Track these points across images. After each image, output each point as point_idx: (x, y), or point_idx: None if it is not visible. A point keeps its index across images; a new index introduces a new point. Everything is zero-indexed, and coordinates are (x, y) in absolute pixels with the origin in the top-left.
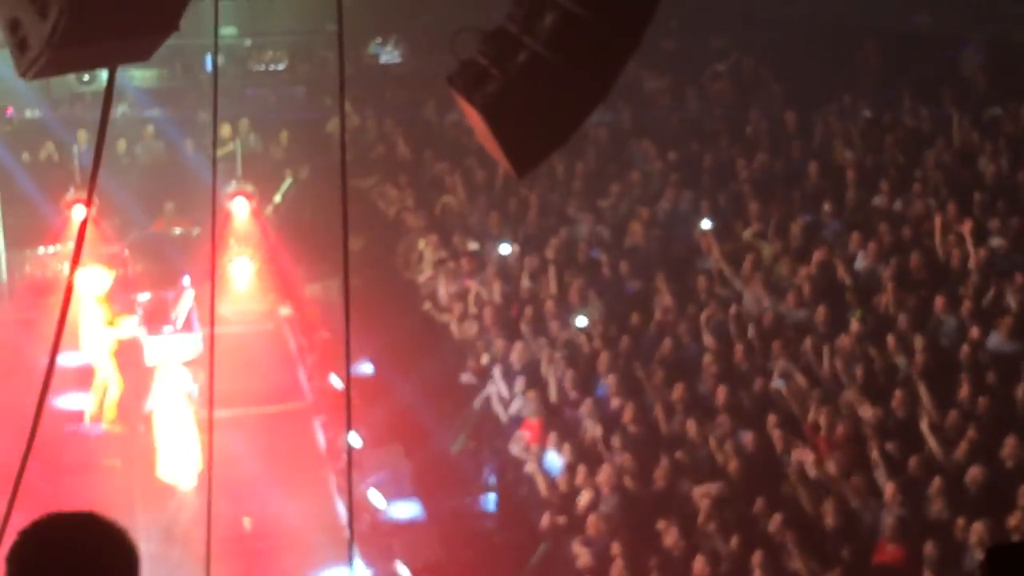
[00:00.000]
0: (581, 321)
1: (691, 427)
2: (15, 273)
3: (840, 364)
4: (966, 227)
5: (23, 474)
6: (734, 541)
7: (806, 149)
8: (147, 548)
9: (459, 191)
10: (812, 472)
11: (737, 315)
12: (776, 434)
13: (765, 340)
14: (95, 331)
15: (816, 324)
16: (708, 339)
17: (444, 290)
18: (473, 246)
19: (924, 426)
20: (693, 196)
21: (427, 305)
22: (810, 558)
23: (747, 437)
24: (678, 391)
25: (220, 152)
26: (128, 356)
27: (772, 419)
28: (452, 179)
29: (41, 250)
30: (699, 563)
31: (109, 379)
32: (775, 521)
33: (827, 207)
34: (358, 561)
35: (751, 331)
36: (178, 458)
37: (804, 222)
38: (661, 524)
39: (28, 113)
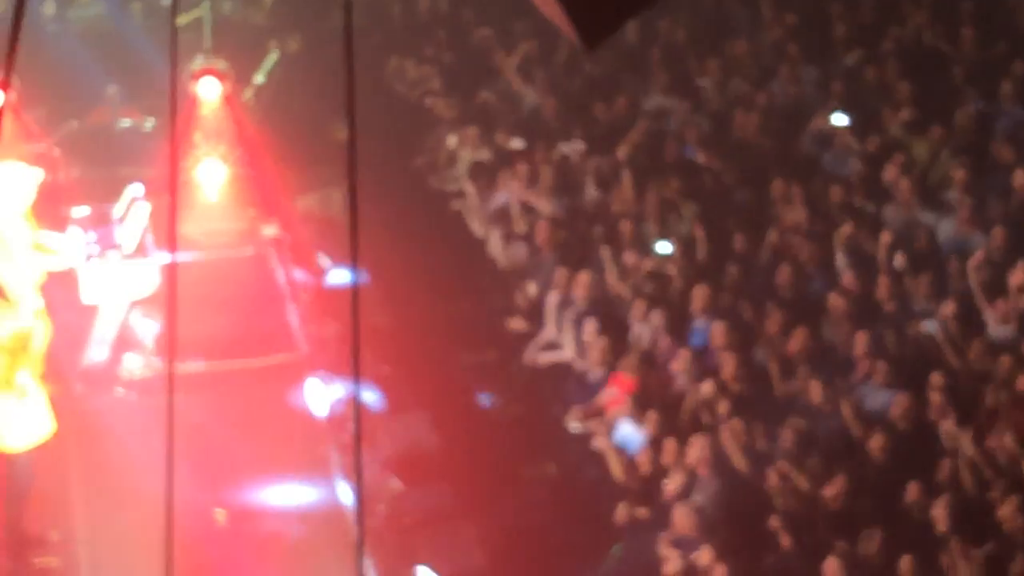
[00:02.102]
0: (664, 247)
1: (815, 388)
2: None
3: (1022, 303)
4: None
5: None
6: (875, 541)
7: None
8: (86, 552)
9: (506, 68)
10: (969, 451)
11: (880, 236)
12: (935, 399)
13: (918, 270)
14: (15, 258)
15: (990, 249)
16: (841, 268)
17: (481, 202)
18: (517, 144)
19: None
20: (819, 74)
21: (460, 222)
22: (980, 566)
23: (896, 401)
24: (798, 339)
25: (182, 18)
26: (61, 292)
27: (935, 378)
28: (498, 53)
29: None
30: (831, 566)
31: (35, 323)
32: (937, 515)
33: (1007, 87)
34: (369, 567)
35: (898, 258)
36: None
37: (974, 109)
38: (775, 521)
39: None
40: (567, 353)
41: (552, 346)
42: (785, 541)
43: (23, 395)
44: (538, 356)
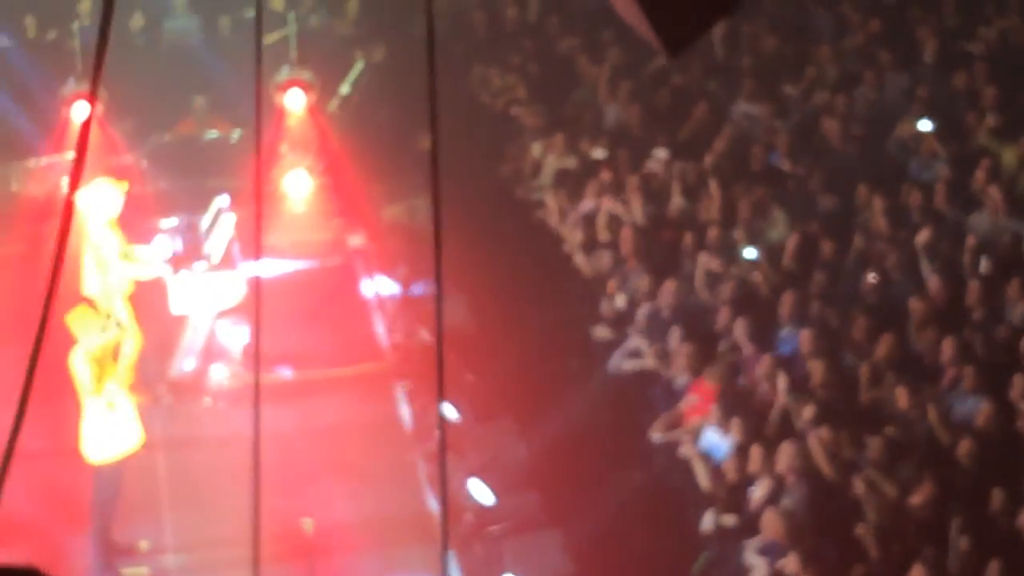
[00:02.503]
0: (750, 252)
1: (902, 395)
2: None
3: None
4: None
5: (11, 458)
6: (963, 544)
7: None
8: (176, 561)
9: (592, 77)
10: None
11: (966, 242)
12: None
13: (1006, 275)
14: (104, 269)
15: None
16: (927, 274)
17: (566, 210)
18: (598, 153)
19: None
20: (907, 81)
21: (545, 231)
22: None
23: (981, 408)
24: (885, 345)
25: (269, 37)
26: (149, 302)
27: (1019, 384)
28: (583, 60)
29: (32, 162)
30: (916, 574)
31: (124, 333)
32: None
33: None
34: (456, 573)
35: (984, 264)
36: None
37: None
38: (862, 528)
39: None
40: (649, 361)
41: (636, 354)
42: (872, 548)
43: (111, 406)
44: (622, 363)
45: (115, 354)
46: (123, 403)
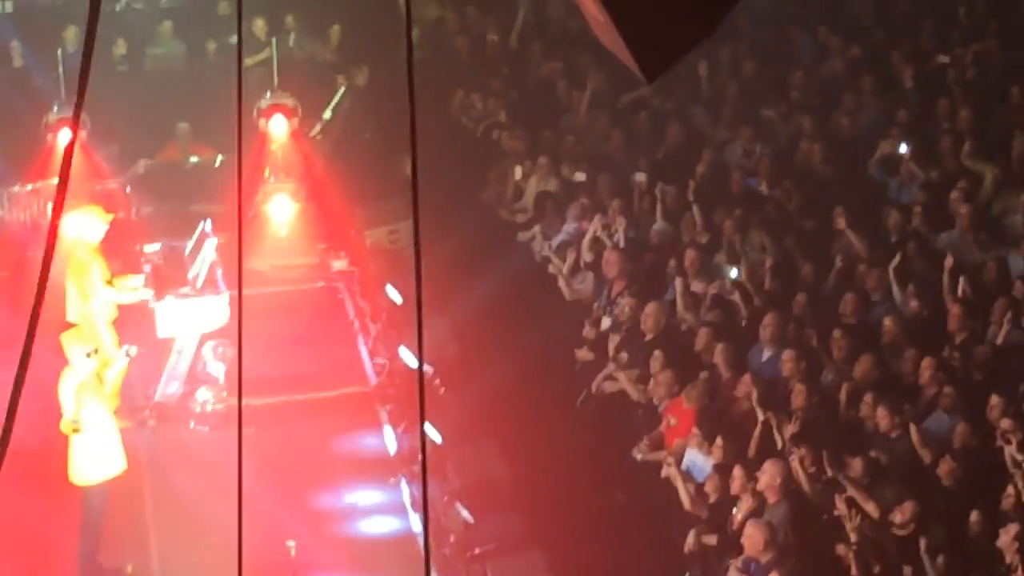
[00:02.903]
0: (732, 272)
1: (882, 416)
2: None
3: None
4: None
5: None
6: (940, 564)
7: None
8: None
9: (573, 101)
10: None
11: (945, 264)
12: (1006, 424)
13: (985, 297)
14: (88, 294)
15: None
16: (905, 295)
17: (548, 234)
18: (579, 176)
19: None
20: (885, 105)
21: (530, 254)
22: None
23: (959, 429)
24: (864, 366)
25: (250, 60)
26: (133, 326)
27: (994, 401)
28: (563, 85)
29: (16, 188)
30: None
31: (108, 357)
32: (1004, 540)
33: None
34: None
35: (962, 284)
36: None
37: None
38: (841, 549)
39: None
40: (626, 385)
41: (613, 378)
42: (854, 568)
43: (77, 430)
44: (603, 384)
45: (100, 380)
46: (108, 427)
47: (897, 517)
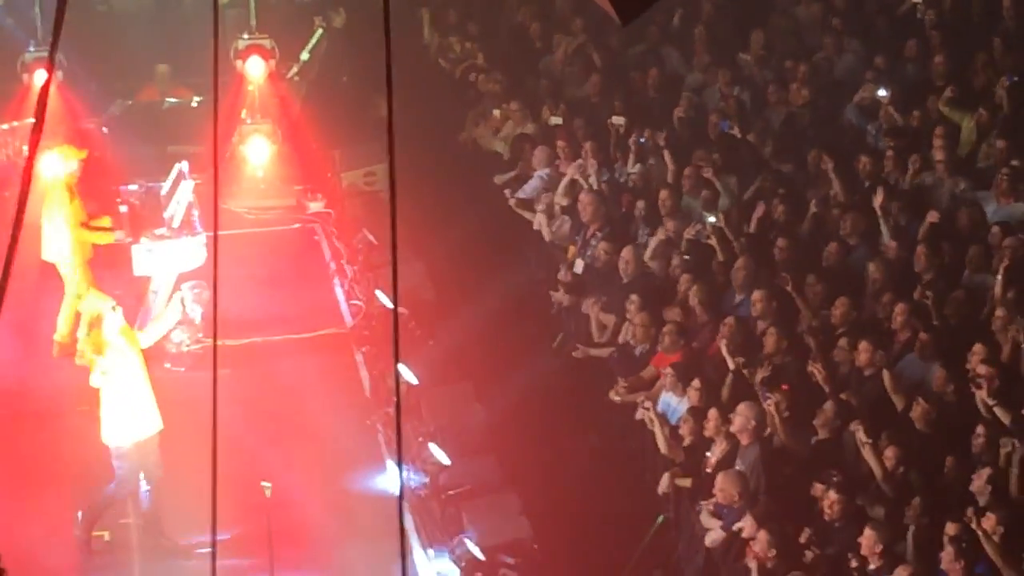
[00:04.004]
0: (706, 219)
1: (863, 357)
2: None
3: None
4: None
5: None
6: (915, 505)
7: None
8: (135, 522)
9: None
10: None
11: (921, 208)
12: (982, 370)
13: (961, 244)
14: (64, 234)
15: None
16: (883, 239)
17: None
18: (555, 120)
19: None
20: (863, 48)
21: (503, 197)
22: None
23: (936, 374)
24: (840, 309)
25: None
26: (110, 267)
27: (977, 347)
28: (543, 30)
29: None
30: (868, 538)
31: (83, 297)
32: (977, 484)
33: None
34: (414, 537)
35: (931, 218)
36: (126, 409)
37: (1011, 80)
38: (818, 489)
39: None
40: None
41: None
42: (827, 509)
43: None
44: (590, 351)
45: (130, 336)
46: (142, 387)
47: (886, 463)
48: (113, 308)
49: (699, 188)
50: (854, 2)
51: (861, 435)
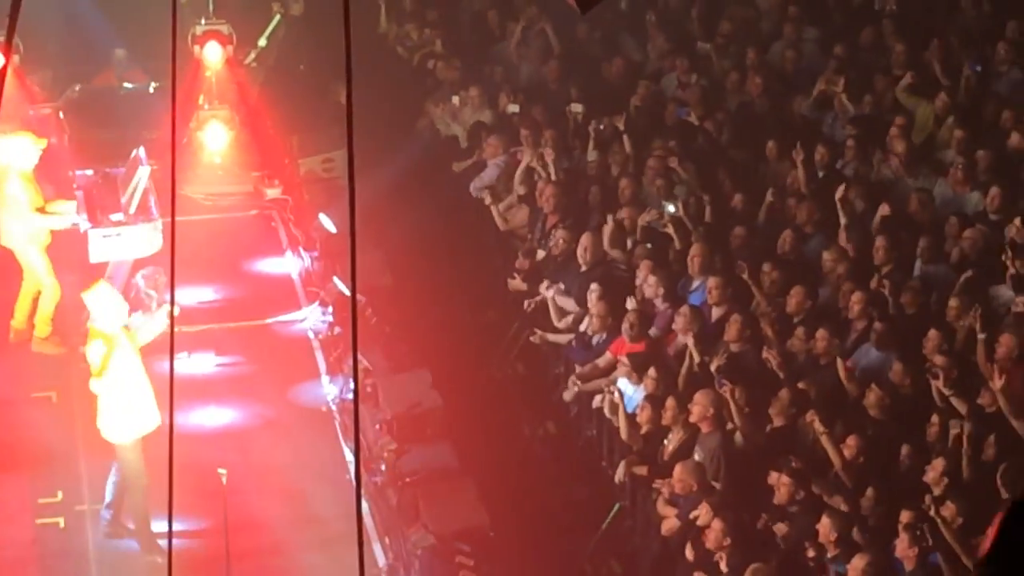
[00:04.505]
0: (663, 208)
1: (820, 345)
2: None
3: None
4: None
5: None
6: (870, 495)
7: None
8: (91, 508)
9: (506, 32)
10: (962, 411)
11: (877, 198)
12: (939, 360)
13: (915, 233)
14: (20, 220)
15: (989, 210)
16: (838, 229)
17: (483, 164)
18: (513, 108)
19: None
20: (819, 35)
21: (462, 185)
22: (972, 535)
23: (895, 367)
24: (796, 298)
25: None
26: (65, 252)
27: (933, 337)
28: (499, 16)
29: None
30: (824, 526)
31: (40, 283)
32: (931, 475)
33: (1003, 50)
34: (369, 524)
35: (878, 215)
36: (124, 406)
37: (973, 70)
38: (774, 477)
39: None
40: (564, 321)
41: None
42: (784, 495)
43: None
44: (548, 336)
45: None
46: (142, 384)
47: (845, 451)
48: (126, 327)
49: (659, 176)
50: None
51: (817, 424)
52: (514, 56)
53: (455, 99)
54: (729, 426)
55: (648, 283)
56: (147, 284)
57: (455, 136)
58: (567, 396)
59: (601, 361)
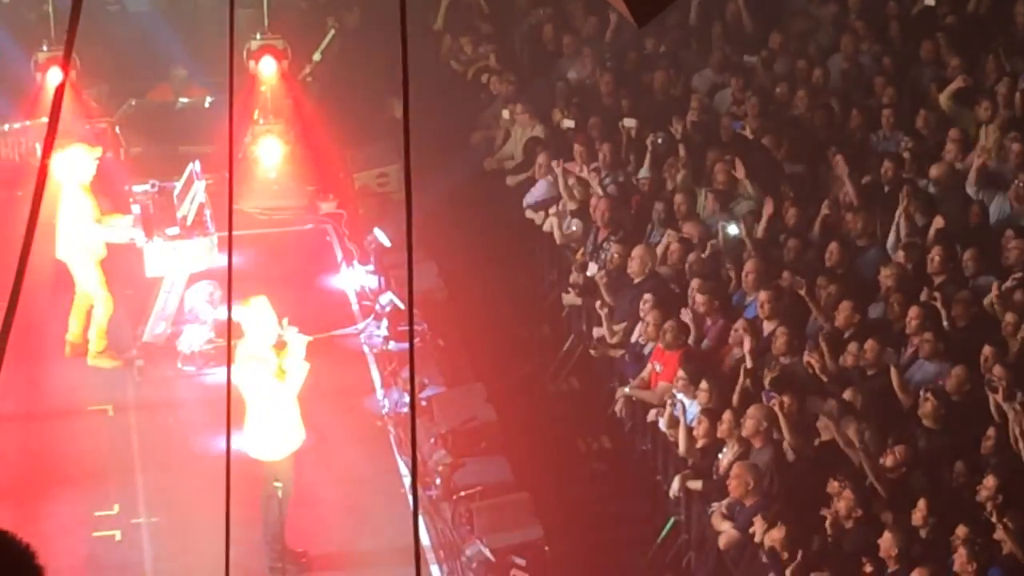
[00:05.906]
0: (733, 229)
1: (868, 355)
2: None
3: None
4: None
5: None
6: (921, 507)
7: None
8: (147, 521)
9: (563, 47)
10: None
11: (934, 210)
12: (998, 371)
13: (974, 245)
14: (77, 233)
15: None
16: (892, 242)
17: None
18: (568, 123)
19: None
20: (879, 50)
21: (517, 198)
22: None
23: (956, 373)
24: (844, 312)
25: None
26: (121, 266)
27: (987, 351)
28: (555, 30)
29: (5, 127)
30: (886, 540)
31: (95, 297)
32: (986, 487)
33: None
34: (425, 539)
35: (934, 227)
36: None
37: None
38: (833, 486)
39: None
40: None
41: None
42: (840, 511)
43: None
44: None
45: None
46: (289, 403)
47: (888, 460)
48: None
49: (723, 191)
50: (869, 3)
51: (852, 434)
52: (569, 70)
53: (505, 113)
54: (778, 437)
55: (698, 296)
56: (203, 298)
57: (509, 152)
58: (618, 404)
59: (652, 372)
